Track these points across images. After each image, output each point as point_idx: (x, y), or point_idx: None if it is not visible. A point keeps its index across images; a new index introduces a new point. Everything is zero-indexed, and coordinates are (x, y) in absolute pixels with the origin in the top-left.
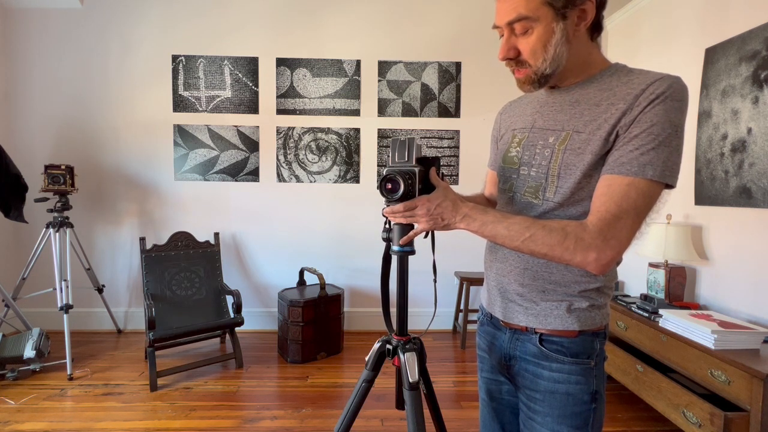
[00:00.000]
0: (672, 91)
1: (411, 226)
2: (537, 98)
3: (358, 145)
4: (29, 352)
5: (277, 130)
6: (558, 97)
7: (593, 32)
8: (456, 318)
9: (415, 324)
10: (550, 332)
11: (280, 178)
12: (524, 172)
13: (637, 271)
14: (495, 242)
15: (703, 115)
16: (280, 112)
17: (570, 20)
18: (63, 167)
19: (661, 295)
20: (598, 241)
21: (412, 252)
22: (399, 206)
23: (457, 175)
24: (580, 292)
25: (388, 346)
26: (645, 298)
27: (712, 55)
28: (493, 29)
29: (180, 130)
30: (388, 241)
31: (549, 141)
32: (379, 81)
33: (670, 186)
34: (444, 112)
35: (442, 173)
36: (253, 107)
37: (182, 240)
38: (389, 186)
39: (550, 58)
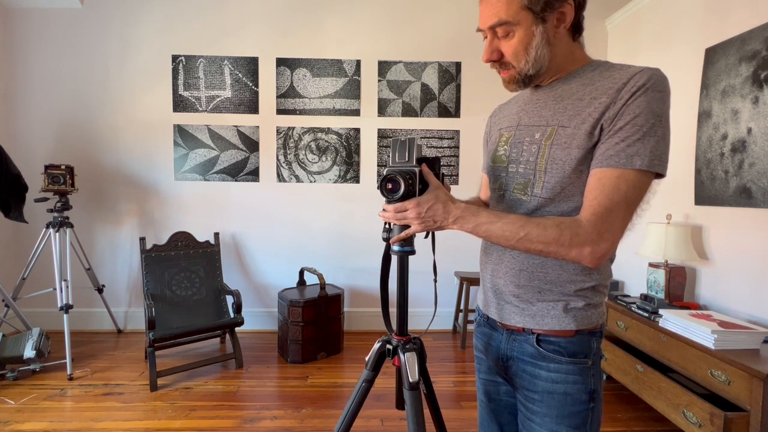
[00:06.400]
0: (653, 82)
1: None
2: (522, 97)
3: (358, 145)
4: (29, 352)
5: (277, 130)
6: (542, 94)
7: (574, 33)
8: (456, 318)
9: (415, 324)
10: (546, 332)
11: (280, 178)
12: (513, 170)
13: (637, 271)
14: (490, 241)
15: (703, 115)
16: (280, 112)
17: (549, 23)
18: (63, 167)
19: (661, 295)
20: (593, 235)
21: (412, 252)
22: (390, 207)
23: (457, 175)
24: (576, 291)
25: (388, 346)
26: (645, 298)
27: (712, 55)
28: (478, 32)
29: (180, 130)
30: (388, 241)
31: (535, 137)
32: (379, 81)
33: (660, 175)
34: (444, 112)
35: (443, 174)
36: (253, 107)
37: (182, 240)
38: (390, 186)
39: (532, 60)
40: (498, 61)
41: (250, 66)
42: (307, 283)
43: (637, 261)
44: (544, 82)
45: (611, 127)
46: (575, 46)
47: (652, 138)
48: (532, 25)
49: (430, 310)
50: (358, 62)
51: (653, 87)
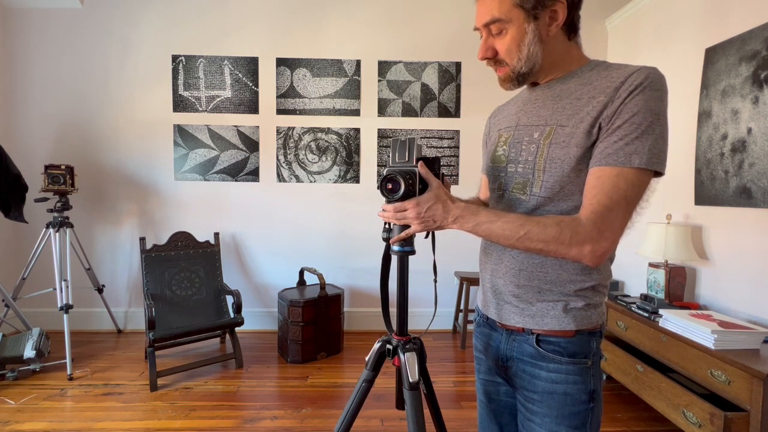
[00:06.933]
0: (650, 81)
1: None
2: (521, 98)
3: (358, 145)
4: (29, 352)
5: (277, 130)
6: (540, 94)
7: (569, 32)
8: (456, 318)
9: (415, 324)
10: (546, 333)
11: (280, 178)
12: (512, 169)
13: (637, 271)
14: (490, 240)
15: (703, 115)
16: (280, 112)
17: (541, 21)
18: (63, 167)
19: (661, 295)
20: (593, 234)
21: (413, 252)
22: (389, 207)
23: (457, 175)
24: (576, 291)
25: (388, 346)
26: (645, 298)
27: (712, 55)
28: (475, 31)
29: (180, 130)
30: (388, 241)
31: (534, 137)
32: (379, 81)
33: (659, 174)
34: (444, 112)
35: (443, 173)
36: (253, 107)
37: (182, 240)
38: (390, 186)
39: (524, 57)
40: (493, 58)
41: (250, 66)
42: (307, 283)
43: (637, 261)
44: (540, 81)
45: (609, 125)
46: (571, 46)
47: (651, 136)
48: (524, 23)
49: (430, 310)
50: (358, 62)
51: (650, 85)
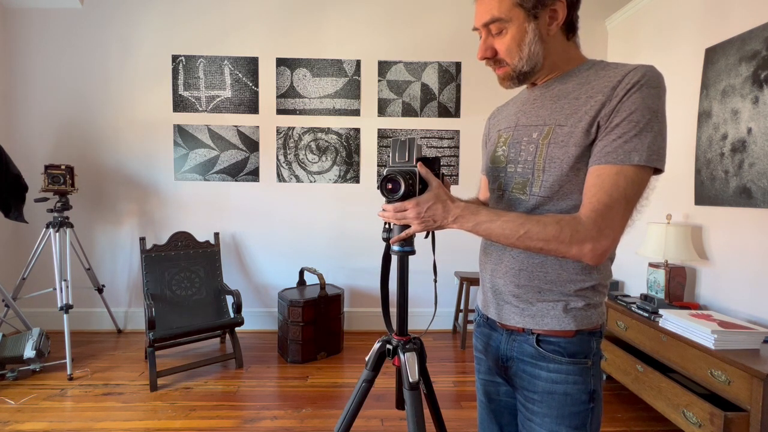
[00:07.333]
0: (647, 78)
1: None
2: (520, 98)
3: (358, 145)
4: (29, 352)
5: (277, 130)
6: (539, 94)
7: (568, 32)
8: (456, 318)
9: (415, 324)
10: (546, 333)
11: (280, 178)
12: (511, 170)
13: (637, 271)
14: (490, 239)
15: (703, 115)
16: (280, 112)
17: (541, 20)
18: (63, 167)
19: (661, 295)
20: (593, 232)
21: (412, 252)
22: (389, 207)
23: (457, 175)
24: (576, 291)
25: (388, 346)
26: (645, 298)
27: (712, 55)
28: (473, 31)
29: (180, 130)
30: (388, 241)
31: (533, 137)
32: (379, 81)
33: (659, 171)
34: (444, 112)
35: (443, 173)
36: (253, 107)
37: (182, 240)
38: (390, 186)
39: (525, 57)
40: (492, 58)
41: (250, 66)
42: (307, 283)
43: (637, 261)
44: (539, 81)
45: (608, 124)
46: (570, 46)
47: (649, 133)
48: (525, 22)
49: (430, 310)
50: (358, 62)
51: (648, 83)
